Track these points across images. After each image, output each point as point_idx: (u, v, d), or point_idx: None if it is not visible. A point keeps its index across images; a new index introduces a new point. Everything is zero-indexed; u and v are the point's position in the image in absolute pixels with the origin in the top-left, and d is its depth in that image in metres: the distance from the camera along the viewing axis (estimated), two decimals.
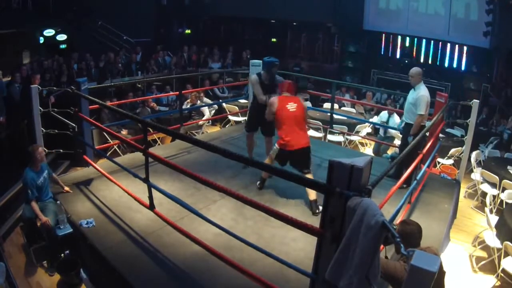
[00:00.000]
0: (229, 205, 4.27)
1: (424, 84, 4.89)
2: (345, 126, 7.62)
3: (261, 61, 7.31)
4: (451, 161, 6.97)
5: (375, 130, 8.75)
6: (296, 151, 4.23)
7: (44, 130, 4.77)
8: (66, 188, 4.46)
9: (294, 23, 13.93)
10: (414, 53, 12.10)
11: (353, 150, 7.58)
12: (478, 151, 6.98)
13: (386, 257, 2.91)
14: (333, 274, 2.01)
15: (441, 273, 2.66)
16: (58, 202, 4.26)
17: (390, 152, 7.09)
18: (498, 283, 4.20)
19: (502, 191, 5.47)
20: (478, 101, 5.45)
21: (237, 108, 8.61)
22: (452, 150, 6.84)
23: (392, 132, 7.25)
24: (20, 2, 10.53)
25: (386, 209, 3.29)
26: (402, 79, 11.23)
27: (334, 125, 7.38)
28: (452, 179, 5.60)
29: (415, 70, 4.92)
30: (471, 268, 4.51)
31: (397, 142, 6.99)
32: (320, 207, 4.70)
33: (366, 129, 8.22)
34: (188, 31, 15.24)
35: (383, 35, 12.46)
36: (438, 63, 11.62)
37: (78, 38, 11.71)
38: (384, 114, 7.64)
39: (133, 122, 6.57)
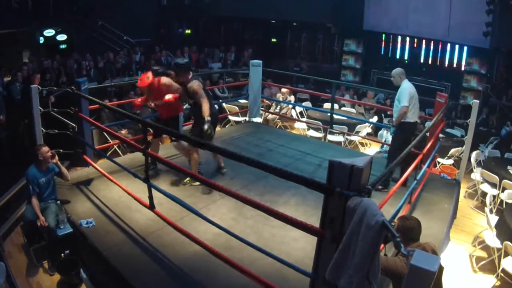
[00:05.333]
0: (229, 205, 4.27)
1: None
2: (345, 126, 7.62)
3: (261, 61, 7.39)
4: (451, 161, 6.97)
5: (375, 131, 8.74)
6: None
7: (44, 130, 4.77)
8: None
9: (294, 23, 13.94)
10: (414, 53, 12.09)
11: (353, 150, 7.58)
12: (478, 151, 6.97)
13: (385, 255, 2.92)
14: (333, 273, 2.01)
15: (439, 268, 2.67)
16: (58, 202, 4.25)
17: None
18: (498, 283, 4.20)
19: (502, 191, 5.47)
20: (478, 101, 5.45)
21: (237, 108, 8.62)
22: (452, 150, 6.85)
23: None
24: (20, 2, 10.53)
25: (386, 209, 3.30)
26: None
27: (334, 125, 7.38)
28: (452, 179, 5.60)
29: (396, 70, 5.01)
30: (471, 268, 4.51)
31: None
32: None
33: (366, 129, 8.21)
34: (188, 31, 15.26)
35: (383, 35, 12.46)
36: (438, 63, 11.62)
37: (78, 38, 11.73)
38: (382, 132, 7.57)
39: (133, 122, 6.58)
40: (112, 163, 4.48)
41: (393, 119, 4.98)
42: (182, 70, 4.54)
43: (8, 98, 6.77)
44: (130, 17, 12.11)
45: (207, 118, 4.26)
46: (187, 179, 4.74)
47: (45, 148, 4.17)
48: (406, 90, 4.79)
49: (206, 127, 4.18)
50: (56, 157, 4.33)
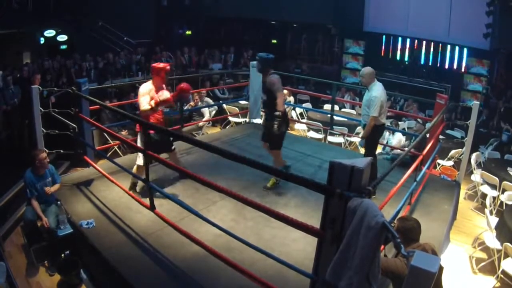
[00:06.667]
0: (229, 206, 4.27)
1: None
2: (345, 128, 7.62)
3: None
4: (451, 163, 6.96)
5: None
6: None
7: (44, 131, 4.77)
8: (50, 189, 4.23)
9: (295, 24, 13.96)
10: (415, 55, 12.11)
11: (353, 152, 7.57)
12: (478, 152, 6.97)
13: (385, 256, 2.93)
14: (333, 274, 2.02)
15: (439, 268, 2.68)
16: (58, 202, 4.26)
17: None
18: (498, 284, 4.19)
19: (502, 193, 5.47)
20: (478, 102, 5.45)
21: (237, 109, 8.63)
22: (452, 152, 6.85)
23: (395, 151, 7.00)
24: (20, 2, 10.53)
25: (386, 210, 3.30)
26: (402, 81, 11.24)
27: (334, 127, 7.38)
28: (452, 180, 5.60)
29: (365, 70, 4.70)
30: (471, 269, 4.51)
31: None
32: None
33: None
34: (188, 32, 15.26)
35: (383, 36, 12.47)
36: (438, 64, 11.63)
37: (79, 39, 11.73)
38: (384, 134, 7.53)
39: (133, 123, 6.57)
40: (113, 163, 4.48)
41: (362, 121, 4.84)
42: (266, 64, 4.61)
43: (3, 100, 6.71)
44: (130, 18, 12.11)
45: (278, 113, 4.37)
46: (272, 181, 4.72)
47: (43, 155, 4.17)
48: (377, 99, 4.49)
49: (276, 126, 4.36)
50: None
